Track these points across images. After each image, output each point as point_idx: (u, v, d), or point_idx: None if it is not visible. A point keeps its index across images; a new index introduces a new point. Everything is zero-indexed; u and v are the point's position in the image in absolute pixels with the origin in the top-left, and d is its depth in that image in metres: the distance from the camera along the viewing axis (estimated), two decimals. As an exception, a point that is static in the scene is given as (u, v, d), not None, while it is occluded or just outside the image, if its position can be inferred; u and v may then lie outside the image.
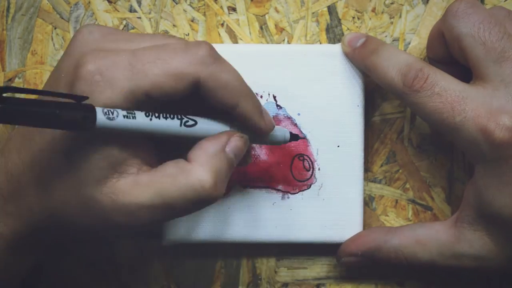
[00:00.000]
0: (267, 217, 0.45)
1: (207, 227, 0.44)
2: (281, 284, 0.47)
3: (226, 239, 0.45)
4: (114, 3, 0.46)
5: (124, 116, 0.34)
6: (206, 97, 0.36)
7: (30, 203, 0.37)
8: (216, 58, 0.36)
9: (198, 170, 0.35)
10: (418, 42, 0.46)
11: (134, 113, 0.34)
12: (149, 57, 0.35)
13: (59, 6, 0.46)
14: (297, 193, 0.45)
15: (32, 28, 0.46)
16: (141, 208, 0.35)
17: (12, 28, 0.46)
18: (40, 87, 0.46)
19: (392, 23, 0.46)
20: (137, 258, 0.46)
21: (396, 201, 0.47)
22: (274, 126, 0.39)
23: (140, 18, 0.46)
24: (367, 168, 0.46)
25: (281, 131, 0.41)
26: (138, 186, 0.35)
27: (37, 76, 0.46)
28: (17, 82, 0.46)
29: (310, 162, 0.45)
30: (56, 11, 0.46)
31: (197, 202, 0.36)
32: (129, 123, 0.34)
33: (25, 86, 0.46)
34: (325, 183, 0.45)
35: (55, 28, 0.46)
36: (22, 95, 0.42)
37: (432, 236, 0.42)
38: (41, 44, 0.46)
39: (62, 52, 0.46)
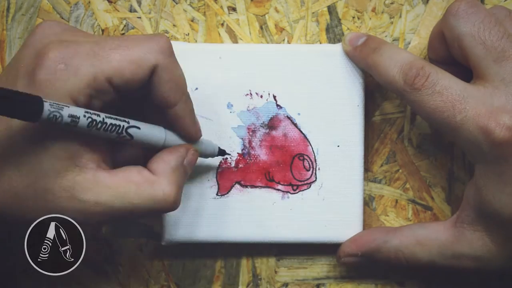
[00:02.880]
0: (267, 217, 0.45)
1: (207, 227, 0.44)
2: (281, 284, 0.47)
3: (226, 239, 0.45)
4: (114, 3, 0.46)
5: (67, 123, 0.34)
6: (154, 88, 0.37)
7: None
8: (173, 52, 0.38)
9: (163, 183, 0.37)
10: (418, 42, 0.46)
11: (78, 120, 0.35)
12: (112, 45, 0.36)
13: (59, 6, 0.46)
14: (297, 193, 0.45)
15: (32, 28, 0.46)
16: (99, 207, 0.36)
17: (12, 28, 0.46)
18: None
19: (392, 23, 0.46)
20: (137, 258, 0.46)
21: (396, 201, 0.47)
22: (201, 135, 0.41)
23: (140, 18, 0.46)
24: (367, 168, 0.46)
25: (211, 145, 0.43)
26: (99, 184, 0.36)
27: (37, 76, 0.46)
28: (17, 82, 0.46)
29: (310, 162, 0.45)
30: (56, 11, 0.46)
31: (156, 211, 0.37)
32: (72, 128, 0.34)
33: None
34: (325, 183, 0.45)
35: (55, 28, 0.46)
36: None
37: (432, 236, 0.42)
38: (41, 44, 0.46)
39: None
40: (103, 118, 0.36)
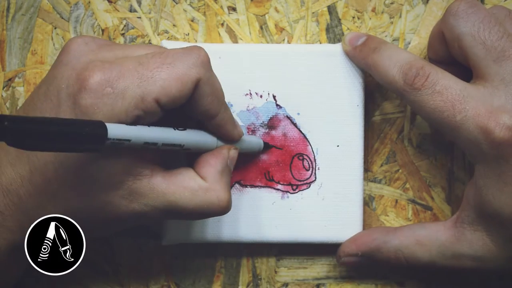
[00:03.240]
0: (267, 217, 0.45)
1: (207, 227, 0.44)
2: (281, 284, 0.47)
3: (226, 239, 0.45)
4: (114, 3, 0.46)
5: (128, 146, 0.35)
6: (196, 102, 0.37)
7: (32, 215, 0.36)
8: (210, 65, 0.38)
9: (217, 189, 0.38)
10: (418, 42, 0.46)
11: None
12: (155, 63, 0.36)
13: (59, 6, 0.46)
14: (296, 192, 0.45)
15: (32, 28, 0.46)
16: (156, 211, 0.37)
17: (12, 28, 0.46)
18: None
19: (392, 23, 0.46)
20: (137, 258, 0.46)
21: (396, 201, 0.47)
22: (242, 135, 0.42)
23: (140, 18, 0.46)
24: (367, 168, 0.46)
25: (256, 140, 0.44)
26: (154, 191, 0.37)
27: (37, 76, 0.46)
28: (17, 82, 0.46)
29: (309, 162, 0.45)
30: (56, 11, 0.46)
31: (210, 215, 0.39)
32: (134, 130, 0.35)
33: (25, 86, 0.46)
34: (324, 183, 0.45)
35: (55, 28, 0.46)
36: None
37: (432, 236, 0.42)
38: (41, 44, 0.46)
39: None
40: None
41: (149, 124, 0.36)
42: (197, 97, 0.37)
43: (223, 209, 0.39)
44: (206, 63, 0.37)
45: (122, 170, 0.36)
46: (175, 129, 0.37)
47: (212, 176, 0.39)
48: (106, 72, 0.35)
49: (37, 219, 0.36)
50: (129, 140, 0.34)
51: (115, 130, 0.33)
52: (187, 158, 0.41)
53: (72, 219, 0.36)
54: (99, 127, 0.32)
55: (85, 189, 0.36)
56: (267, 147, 0.44)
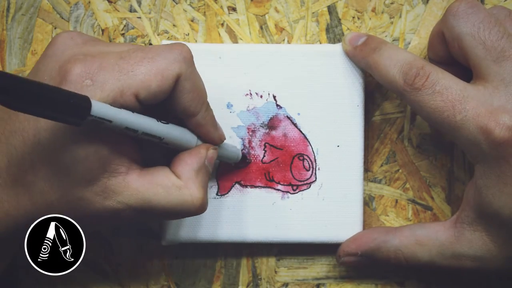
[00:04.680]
0: (267, 217, 0.45)
1: (207, 227, 0.44)
2: (281, 284, 0.47)
3: (226, 239, 0.45)
4: (114, 3, 0.46)
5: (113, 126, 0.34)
6: (176, 98, 0.37)
7: (6, 208, 0.36)
8: (193, 62, 0.38)
9: (191, 187, 0.38)
10: (418, 42, 0.46)
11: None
12: (136, 58, 0.36)
13: (59, 6, 0.46)
14: (297, 193, 0.45)
15: (32, 28, 0.46)
16: (130, 209, 0.37)
17: (12, 28, 0.46)
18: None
19: (392, 23, 0.46)
20: (137, 258, 0.46)
21: (396, 201, 0.47)
22: (224, 139, 0.41)
23: (140, 18, 0.46)
24: (367, 168, 0.46)
25: (234, 150, 0.43)
26: (129, 188, 0.37)
27: (37, 76, 0.46)
28: (17, 82, 0.46)
29: (310, 162, 0.45)
30: (56, 11, 0.46)
31: (184, 214, 0.38)
32: (117, 112, 0.34)
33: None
34: (325, 183, 0.45)
35: (55, 28, 0.46)
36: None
37: (432, 236, 0.42)
38: (41, 44, 0.46)
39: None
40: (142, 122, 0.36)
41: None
42: (178, 93, 0.37)
43: (197, 208, 0.38)
44: (188, 59, 0.37)
45: (98, 165, 0.36)
46: (158, 121, 0.37)
47: (187, 174, 0.38)
48: (87, 65, 0.35)
49: (12, 212, 0.36)
50: (110, 121, 0.34)
51: (99, 108, 0.33)
52: (166, 158, 0.40)
53: (47, 213, 0.36)
54: (84, 101, 0.32)
55: (61, 182, 0.36)
56: (244, 158, 0.44)
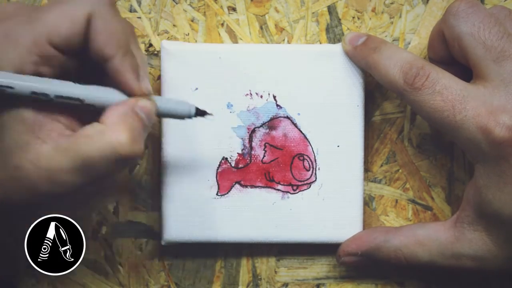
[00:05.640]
0: (267, 217, 0.45)
1: (207, 227, 0.44)
2: (281, 284, 0.47)
3: (226, 239, 0.45)
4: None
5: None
6: (89, 41, 0.36)
7: None
8: (113, 3, 0.36)
9: (113, 129, 0.35)
10: (418, 42, 0.46)
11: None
12: (47, 5, 0.35)
13: (59, 6, 0.46)
14: (297, 193, 0.45)
15: (32, 28, 0.46)
16: (63, 172, 0.35)
17: (12, 28, 0.46)
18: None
19: (392, 23, 0.46)
20: (137, 258, 0.46)
21: (396, 201, 0.47)
22: (150, 92, 0.38)
23: (140, 18, 0.46)
24: (367, 168, 0.46)
25: (184, 104, 0.39)
26: (58, 150, 0.35)
27: (37, 76, 0.46)
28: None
29: (310, 162, 0.45)
30: (56, 11, 0.46)
31: (118, 160, 0.35)
32: (19, 78, 0.34)
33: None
34: (325, 183, 0.45)
35: (55, 28, 0.46)
36: None
37: (432, 236, 0.42)
38: (41, 44, 0.46)
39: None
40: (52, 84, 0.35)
41: (55, 77, 0.35)
42: (90, 35, 0.36)
43: (126, 148, 0.35)
44: None
45: (27, 131, 0.35)
46: (75, 83, 0.36)
47: (111, 119, 0.36)
48: (1, 24, 0.35)
49: None
50: (12, 88, 0.34)
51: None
52: None
53: None
54: None
55: None
56: (201, 114, 0.40)
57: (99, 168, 0.35)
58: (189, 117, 0.39)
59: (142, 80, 0.38)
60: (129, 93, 0.37)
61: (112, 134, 0.35)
